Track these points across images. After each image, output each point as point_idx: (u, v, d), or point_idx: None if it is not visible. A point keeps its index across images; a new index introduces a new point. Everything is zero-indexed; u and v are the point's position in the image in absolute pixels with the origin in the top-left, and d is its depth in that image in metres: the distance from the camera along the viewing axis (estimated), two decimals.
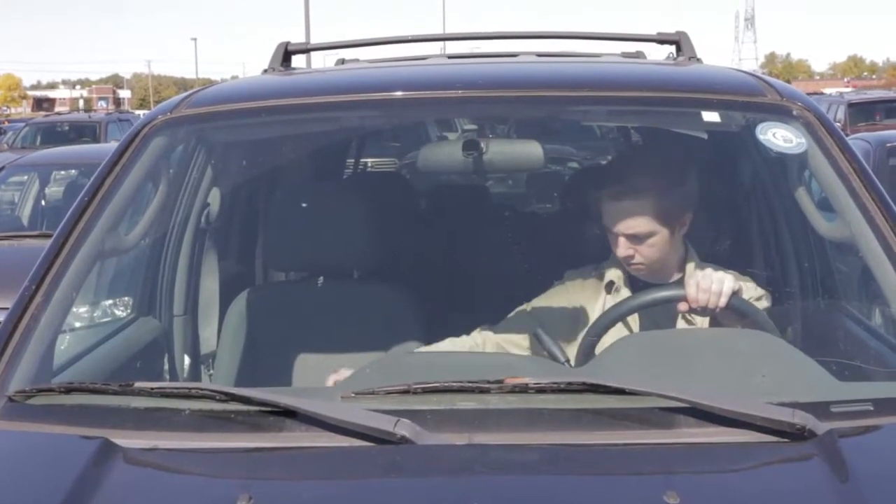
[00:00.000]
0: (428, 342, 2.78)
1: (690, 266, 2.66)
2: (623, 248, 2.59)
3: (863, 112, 21.04)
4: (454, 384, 1.85)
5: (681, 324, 2.59)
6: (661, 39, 3.27)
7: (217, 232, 3.51)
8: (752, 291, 2.61)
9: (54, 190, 9.15)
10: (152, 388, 1.92)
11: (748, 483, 1.72)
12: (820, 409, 1.80)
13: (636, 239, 2.59)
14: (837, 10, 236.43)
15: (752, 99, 2.53)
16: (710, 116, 2.61)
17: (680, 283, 2.62)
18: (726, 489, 1.71)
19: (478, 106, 2.83)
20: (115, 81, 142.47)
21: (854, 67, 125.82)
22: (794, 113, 2.46)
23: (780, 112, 2.47)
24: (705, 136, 3.03)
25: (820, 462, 1.69)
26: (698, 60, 3.04)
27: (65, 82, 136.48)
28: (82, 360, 2.61)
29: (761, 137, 2.44)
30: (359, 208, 2.98)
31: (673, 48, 3.22)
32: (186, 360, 3.16)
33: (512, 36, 3.58)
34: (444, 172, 4.77)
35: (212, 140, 3.09)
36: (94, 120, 21.40)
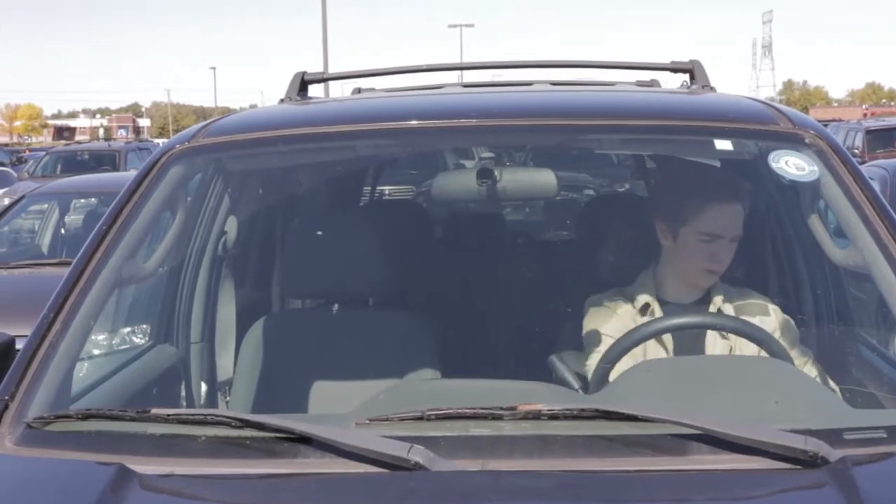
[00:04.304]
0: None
1: (717, 293, 2.70)
2: (727, 253, 2.65)
3: (880, 139, 21.03)
4: (467, 411, 1.86)
5: (711, 346, 2.62)
6: (675, 68, 3.29)
7: (234, 260, 3.53)
8: (779, 317, 2.64)
9: (74, 218, 9.21)
10: (168, 415, 1.94)
11: None
12: (833, 437, 1.80)
13: (734, 241, 2.65)
14: (855, 36, 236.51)
15: (765, 127, 2.55)
16: (723, 145, 2.62)
17: (697, 307, 2.66)
18: None
19: (493, 135, 2.85)
20: (135, 110, 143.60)
21: (872, 94, 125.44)
22: (807, 141, 2.47)
23: (792, 140, 2.49)
24: (718, 164, 3.04)
25: (833, 489, 1.68)
26: (712, 89, 3.06)
27: (85, 111, 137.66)
28: (100, 386, 2.63)
29: (774, 165, 2.45)
30: (375, 236, 2.99)
31: (687, 77, 3.24)
32: (203, 386, 3.18)
33: (527, 65, 3.60)
34: (458, 201, 4.79)
35: (229, 169, 3.11)
36: (113, 148, 21.61)
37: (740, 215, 2.65)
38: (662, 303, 2.72)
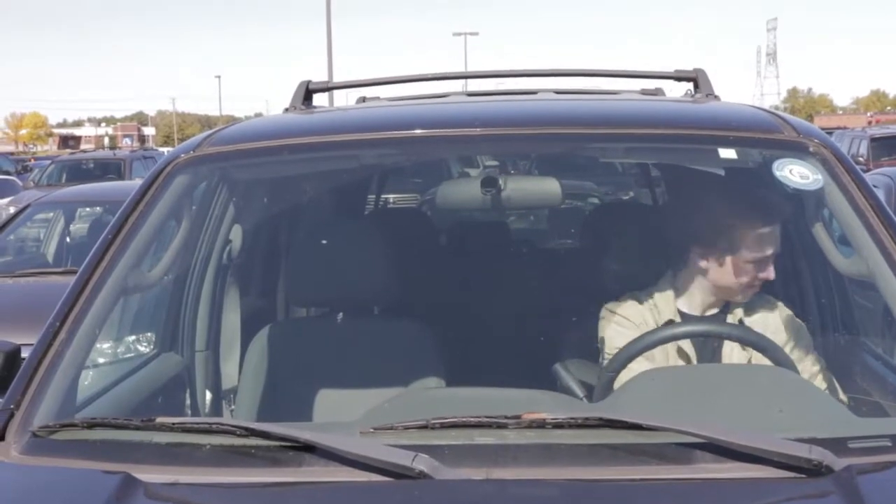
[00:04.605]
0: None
1: (737, 305, 2.71)
2: (770, 271, 2.64)
3: (885, 147, 21.04)
4: (472, 419, 1.86)
5: (728, 356, 2.62)
6: (679, 77, 3.30)
7: (239, 268, 3.54)
8: (794, 327, 2.63)
9: (79, 227, 9.22)
10: (173, 424, 1.94)
11: None
12: (837, 445, 1.80)
13: (773, 258, 2.65)
14: (860, 44, 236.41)
15: (769, 136, 2.55)
16: (727, 153, 2.62)
17: (710, 318, 2.68)
18: None
19: (497, 143, 2.86)
20: (140, 119, 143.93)
21: (877, 101, 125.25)
22: (811, 149, 2.47)
23: (796, 149, 2.49)
24: (722, 172, 3.04)
25: (837, 498, 1.68)
26: (716, 97, 3.06)
27: (90, 120, 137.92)
28: (105, 395, 2.63)
29: (778, 174, 2.46)
30: (379, 244, 3.00)
31: (691, 85, 3.24)
32: (208, 395, 3.18)
33: (531, 74, 3.61)
34: (463, 209, 4.80)
35: (234, 178, 3.12)
36: (118, 157, 21.65)
37: (779, 234, 2.66)
38: (684, 315, 2.72)
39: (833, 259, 2.63)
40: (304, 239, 3.40)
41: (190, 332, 3.17)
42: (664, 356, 2.62)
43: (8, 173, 26.49)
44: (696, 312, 2.73)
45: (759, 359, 2.54)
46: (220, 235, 3.23)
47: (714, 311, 2.73)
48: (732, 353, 2.64)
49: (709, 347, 2.67)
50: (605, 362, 2.65)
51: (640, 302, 2.75)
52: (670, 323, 2.70)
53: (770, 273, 2.64)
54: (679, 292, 2.75)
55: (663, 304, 2.73)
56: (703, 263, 2.69)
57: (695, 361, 2.64)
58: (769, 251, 2.63)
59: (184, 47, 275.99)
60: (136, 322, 3.10)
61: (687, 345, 2.65)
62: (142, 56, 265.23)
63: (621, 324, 2.72)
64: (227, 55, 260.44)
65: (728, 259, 2.65)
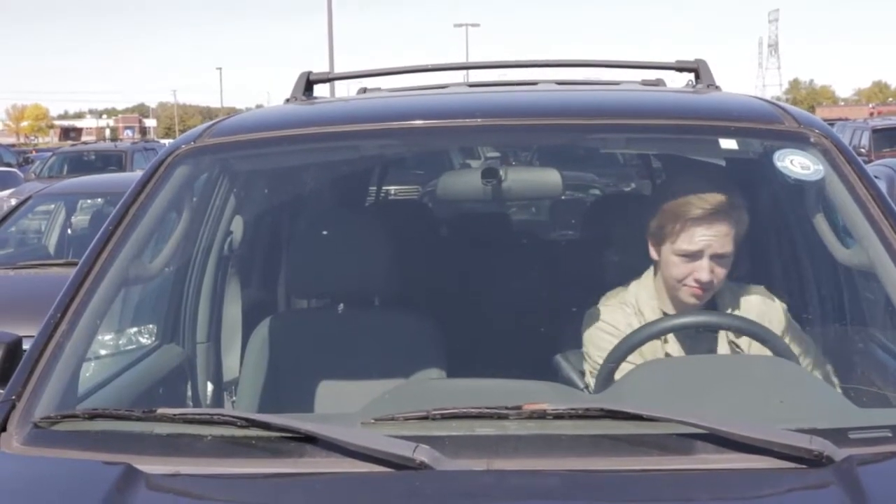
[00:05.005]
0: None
1: (724, 304, 2.67)
2: (706, 272, 2.54)
3: (887, 138, 21.04)
4: (473, 410, 1.87)
5: (723, 349, 2.61)
6: (680, 67, 3.29)
7: (240, 259, 3.54)
8: (785, 317, 2.62)
9: (80, 218, 9.21)
10: (175, 415, 1.94)
11: None
12: (838, 436, 1.80)
13: (720, 260, 2.56)
14: (861, 35, 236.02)
15: (770, 126, 2.54)
16: (728, 144, 2.62)
17: (710, 310, 2.65)
18: None
19: (498, 134, 2.85)
20: (141, 111, 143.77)
21: (879, 93, 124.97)
22: (812, 140, 2.47)
23: (797, 139, 2.48)
24: (723, 163, 3.04)
25: (838, 489, 1.68)
26: (717, 88, 3.06)
27: (91, 112, 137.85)
28: (107, 386, 2.64)
29: (779, 164, 2.45)
30: (380, 236, 3.00)
31: (692, 76, 3.23)
32: (209, 386, 3.19)
33: (532, 64, 3.60)
34: (464, 200, 4.80)
35: (235, 169, 3.12)
36: (119, 149, 21.61)
37: (722, 234, 2.54)
38: (665, 313, 2.70)
39: (834, 250, 2.62)
40: (304, 230, 3.40)
41: (191, 324, 3.17)
42: (662, 348, 2.61)
43: (9, 165, 26.47)
44: (674, 310, 2.68)
45: (758, 351, 2.53)
46: (220, 227, 3.23)
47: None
48: (728, 350, 2.62)
49: (704, 344, 2.65)
50: (591, 356, 2.64)
51: (628, 294, 2.73)
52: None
53: (703, 274, 2.54)
54: (658, 288, 2.71)
55: (646, 299, 2.70)
56: (654, 255, 2.67)
57: (680, 351, 2.63)
58: (697, 250, 2.54)
59: (185, 39, 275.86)
60: (137, 313, 3.10)
61: (680, 348, 2.63)
62: (143, 48, 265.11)
63: (604, 329, 2.70)
64: (229, 48, 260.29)
65: (662, 251, 2.62)
